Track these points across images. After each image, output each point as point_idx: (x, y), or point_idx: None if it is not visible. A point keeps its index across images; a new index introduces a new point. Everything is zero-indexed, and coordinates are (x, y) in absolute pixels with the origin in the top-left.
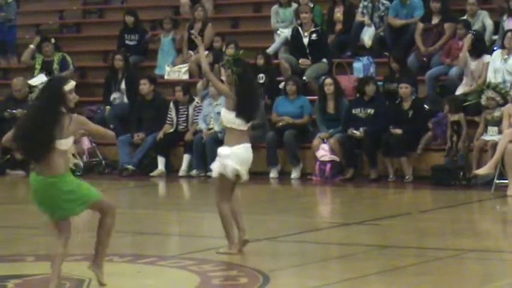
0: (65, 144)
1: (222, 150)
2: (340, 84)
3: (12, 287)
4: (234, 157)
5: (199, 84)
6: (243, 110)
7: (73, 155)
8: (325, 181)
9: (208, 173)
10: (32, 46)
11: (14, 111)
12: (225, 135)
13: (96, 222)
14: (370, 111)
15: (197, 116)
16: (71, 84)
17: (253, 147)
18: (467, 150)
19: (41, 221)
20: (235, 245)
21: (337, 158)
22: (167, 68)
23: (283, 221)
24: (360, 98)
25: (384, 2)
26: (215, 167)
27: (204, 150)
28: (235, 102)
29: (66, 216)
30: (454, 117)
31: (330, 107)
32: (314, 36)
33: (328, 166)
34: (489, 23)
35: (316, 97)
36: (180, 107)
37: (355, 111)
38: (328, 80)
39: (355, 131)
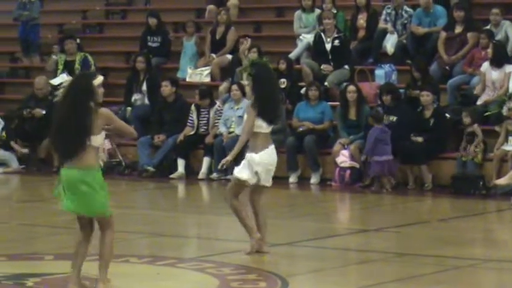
0: (96, 140)
1: (252, 157)
2: (362, 92)
3: (32, 285)
4: (262, 164)
5: (221, 88)
6: (264, 111)
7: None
8: (345, 187)
9: (230, 176)
10: (54, 57)
11: (32, 110)
12: (249, 140)
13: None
14: (393, 118)
15: (218, 119)
16: (99, 79)
17: None
18: (481, 160)
19: (61, 219)
20: (256, 235)
21: (357, 165)
22: (189, 71)
23: (302, 226)
24: (381, 105)
25: (407, 9)
26: (244, 172)
27: (224, 154)
28: (255, 104)
29: (93, 212)
30: (470, 128)
31: (352, 113)
32: (337, 42)
33: (348, 172)
34: None
35: (337, 103)
36: (202, 110)
37: None
38: (352, 88)
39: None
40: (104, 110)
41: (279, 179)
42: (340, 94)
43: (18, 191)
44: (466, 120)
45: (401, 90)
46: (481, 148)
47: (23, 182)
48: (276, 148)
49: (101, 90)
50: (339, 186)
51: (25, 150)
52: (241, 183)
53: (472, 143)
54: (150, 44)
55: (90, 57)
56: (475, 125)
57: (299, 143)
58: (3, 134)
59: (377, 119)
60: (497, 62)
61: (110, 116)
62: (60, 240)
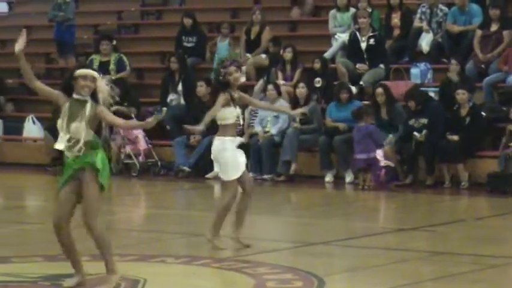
0: None
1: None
2: (391, 92)
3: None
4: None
5: (257, 87)
6: None
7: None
8: (380, 186)
9: (266, 176)
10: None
11: None
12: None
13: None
14: (424, 121)
15: (253, 119)
16: (83, 71)
17: (309, 151)
18: None
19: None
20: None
21: (391, 164)
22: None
23: (338, 225)
24: (410, 109)
25: (443, 8)
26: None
27: (260, 154)
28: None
29: None
30: None
31: (383, 112)
32: (372, 41)
33: (383, 171)
34: None
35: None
36: None
37: (410, 122)
38: (379, 90)
39: (416, 133)
40: None
41: (315, 178)
42: (371, 94)
43: (54, 192)
44: None
45: (435, 89)
46: None
47: (57, 183)
48: (311, 147)
49: (85, 83)
50: (374, 186)
51: None
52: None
53: None
54: (185, 44)
55: (125, 58)
56: None
57: (332, 142)
58: None
59: (356, 117)
60: None
61: None
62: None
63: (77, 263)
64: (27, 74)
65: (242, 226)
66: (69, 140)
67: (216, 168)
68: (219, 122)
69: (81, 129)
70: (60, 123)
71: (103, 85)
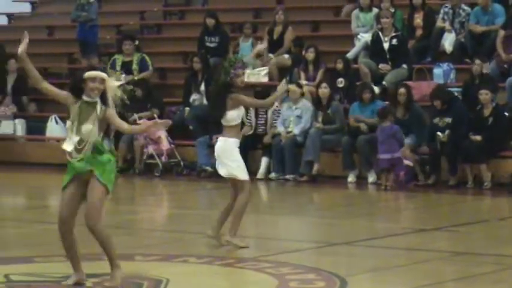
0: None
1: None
2: (412, 93)
3: (91, 286)
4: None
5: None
6: None
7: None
8: (402, 186)
9: (289, 176)
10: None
11: None
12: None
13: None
14: (448, 120)
15: (276, 119)
16: (92, 73)
17: (331, 151)
18: None
19: (120, 220)
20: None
21: (410, 163)
22: (247, 71)
23: (360, 225)
24: (435, 107)
25: (465, 8)
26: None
27: (283, 154)
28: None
29: None
30: None
31: (400, 112)
32: (394, 41)
33: (403, 172)
34: None
35: None
36: (259, 110)
37: (435, 120)
38: (402, 90)
39: (439, 133)
40: None
41: (337, 178)
42: (392, 93)
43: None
44: None
45: (458, 89)
46: None
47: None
48: (334, 147)
49: (94, 85)
50: (393, 186)
51: None
52: None
53: None
54: (207, 44)
55: (147, 58)
56: None
57: (355, 142)
58: None
59: (381, 116)
60: None
61: None
62: (118, 240)
63: (75, 261)
64: (33, 75)
65: (223, 226)
66: (79, 142)
67: (218, 167)
68: (225, 124)
69: (93, 131)
70: (70, 124)
71: (112, 85)
